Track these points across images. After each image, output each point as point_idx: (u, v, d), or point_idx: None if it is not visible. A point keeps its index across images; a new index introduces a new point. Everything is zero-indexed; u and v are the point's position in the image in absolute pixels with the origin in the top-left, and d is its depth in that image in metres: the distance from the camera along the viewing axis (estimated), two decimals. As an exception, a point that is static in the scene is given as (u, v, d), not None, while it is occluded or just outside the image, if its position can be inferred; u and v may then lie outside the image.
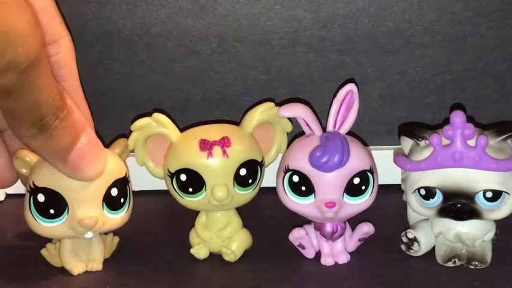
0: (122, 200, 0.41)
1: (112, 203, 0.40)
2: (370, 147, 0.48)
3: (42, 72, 0.33)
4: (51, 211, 0.39)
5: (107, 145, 0.41)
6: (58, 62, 0.39)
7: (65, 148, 0.36)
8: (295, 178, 0.40)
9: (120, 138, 0.42)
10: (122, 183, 0.41)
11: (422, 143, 0.40)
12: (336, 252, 0.42)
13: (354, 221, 0.42)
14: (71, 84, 0.40)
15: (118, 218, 0.41)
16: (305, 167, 0.40)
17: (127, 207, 0.41)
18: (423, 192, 0.40)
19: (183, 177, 0.41)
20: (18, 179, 0.42)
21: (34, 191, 0.39)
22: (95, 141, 0.38)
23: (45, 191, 0.39)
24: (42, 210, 0.39)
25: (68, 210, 0.39)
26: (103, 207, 0.40)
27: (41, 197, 0.39)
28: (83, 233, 0.40)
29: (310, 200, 0.40)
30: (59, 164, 0.37)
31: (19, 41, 0.31)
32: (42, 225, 0.40)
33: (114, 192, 0.40)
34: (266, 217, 0.49)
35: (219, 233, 0.43)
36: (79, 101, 0.40)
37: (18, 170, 0.40)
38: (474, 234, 0.40)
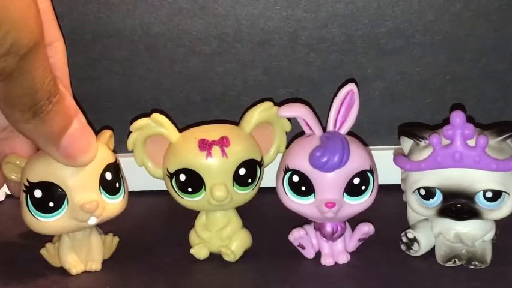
0: (117, 184, 0.41)
1: (108, 187, 0.40)
2: (370, 147, 0.48)
3: (40, 57, 0.33)
4: (51, 204, 0.39)
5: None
6: (52, 64, 0.39)
7: (57, 133, 0.37)
8: (295, 178, 0.40)
9: (103, 130, 0.42)
10: (114, 167, 0.41)
11: (422, 143, 0.40)
12: (336, 252, 0.42)
13: (354, 221, 0.43)
14: (63, 86, 0.40)
15: (116, 203, 0.41)
16: (305, 167, 0.40)
17: (123, 193, 0.42)
18: (423, 192, 0.40)
19: (182, 177, 0.41)
20: (3, 184, 0.42)
21: (30, 188, 0.39)
22: (86, 127, 0.39)
23: (41, 184, 0.39)
24: (41, 206, 0.39)
25: (67, 199, 0.39)
26: (101, 192, 0.40)
27: (38, 193, 0.39)
28: (86, 220, 0.40)
29: (310, 200, 0.40)
30: (51, 149, 0.37)
31: (22, 24, 0.31)
32: (44, 222, 0.40)
33: (108, 176, 0.40)
34: (266, 217, 0.49)
35: (219, 233, 0.43)
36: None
37: (9, 175, 0.40)
38: (474, 234, 0.40)
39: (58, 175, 0.39)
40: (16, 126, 0.36)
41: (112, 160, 0.41)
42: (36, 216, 0.40)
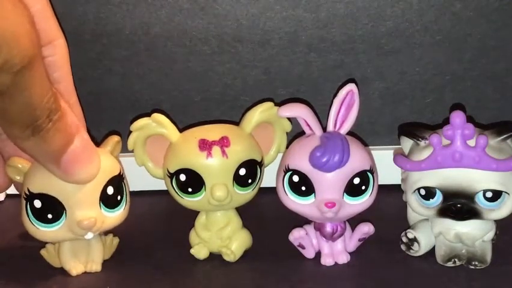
0: (119, 197, 0.41)
1: (109, 201, 0.40)
2: (370, 147, 0.48)
3: (37, 74, 0.33)
4: (49, 216, 0.39)
5: (98, 143, 0.41)
6: (53, 63, 0.39)
7: (58, 150, 0.36)
8: (296, 178, 0.40)
9: (111, 135, 0.42)
10: (117, 180, 0.41)
11: (422, 143, 0.40)
12: (336, 252, 0.42)
13: (354, 221, 0.43)
14: (65, 85, 0.40)
15: (117, 215, 0.41)
16: (305, 167, 0.40)
17: (124, 204, 0.41)
18: (423, 192, 0.40)
19: (183, 177, 0.41)
20: (11, 185, 0.42)
21: (30, 197, 0.39)
22: (88, 144, 0.38)
23: (41, 196, 0.39)
24: (40, 216, 0.39)
25: (65, 213, 0.39)
26: (101, 207, 0.40)
27: (37, 203, 0.39)
28: (83, 235, 0.40)
29: (310, 200, 0.40)
30: (52, 166, 0.37)
31: (14, 41, 0.31)
32: (42, 231, 0.40)
33: (110, 190, 0.40)
34: (266, 217, 0.49)
35: (219, 233, 0.43)
36: (72, 102, 0.40)
37: (12, 177, 0.40)
38: (474, 234, 0.40)
39: (58, 189, 0.39)
40: (16, 143, 0.35)
41: (115, 173, 0.40)
42: (35, 224, 0.40)
